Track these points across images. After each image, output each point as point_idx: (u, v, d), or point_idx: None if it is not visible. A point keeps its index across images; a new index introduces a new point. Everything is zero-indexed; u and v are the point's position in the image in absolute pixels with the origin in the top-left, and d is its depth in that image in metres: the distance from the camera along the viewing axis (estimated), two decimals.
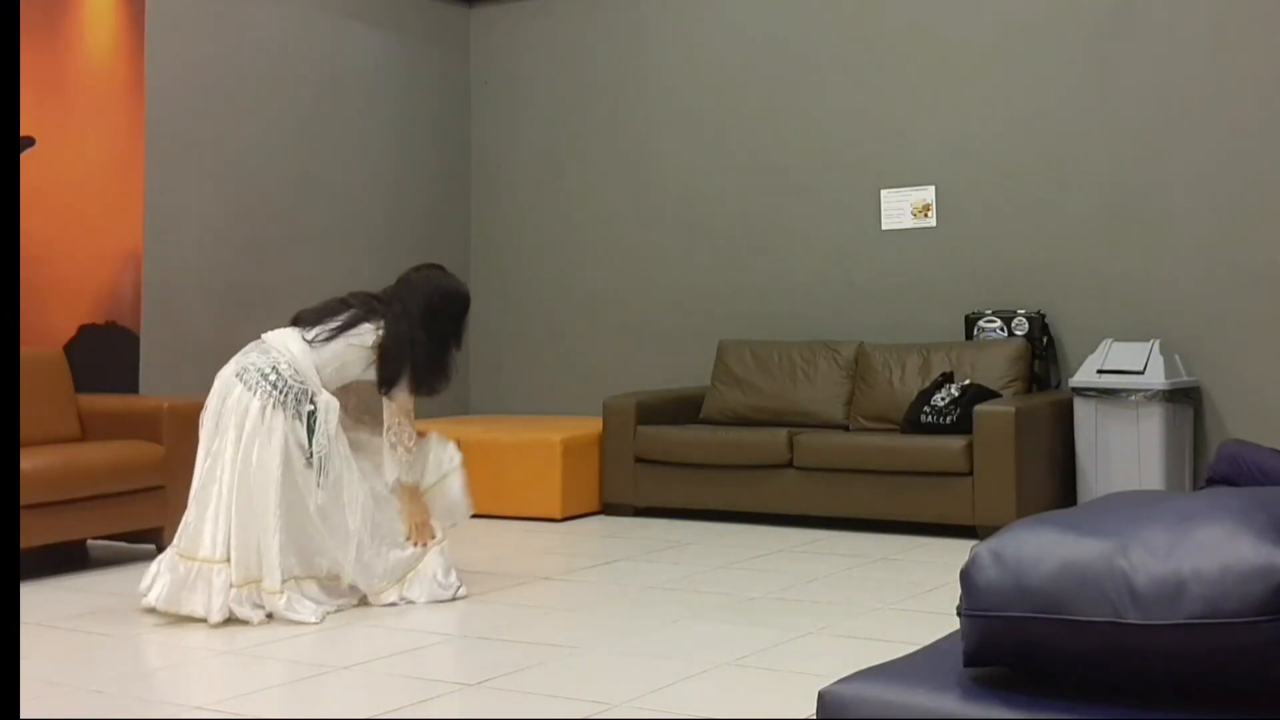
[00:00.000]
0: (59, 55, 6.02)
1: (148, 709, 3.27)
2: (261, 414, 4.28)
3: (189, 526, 4.26)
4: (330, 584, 4.41)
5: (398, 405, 4.50)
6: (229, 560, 4.19)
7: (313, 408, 4.35)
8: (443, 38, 8.06)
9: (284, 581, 4.24)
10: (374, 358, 4.50)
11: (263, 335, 4.52)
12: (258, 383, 4.32)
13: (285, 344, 4.44)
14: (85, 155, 6.12)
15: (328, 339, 4.48)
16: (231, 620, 4.17)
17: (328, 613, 4.31)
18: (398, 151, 7.75)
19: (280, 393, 4.32)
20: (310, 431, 4.33)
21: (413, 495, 4.56)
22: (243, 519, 4.22)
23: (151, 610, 4.25)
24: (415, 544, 4.53)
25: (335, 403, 4.41)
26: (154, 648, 3.95)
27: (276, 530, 4.23)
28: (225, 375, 4.42)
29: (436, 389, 4.61)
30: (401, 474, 4.51)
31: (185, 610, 4.18)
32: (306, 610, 4.24)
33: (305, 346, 4.44)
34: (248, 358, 4.42)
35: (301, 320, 4.56)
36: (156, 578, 4.25)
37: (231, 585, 4.17)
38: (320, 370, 4.44)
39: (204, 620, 4.15)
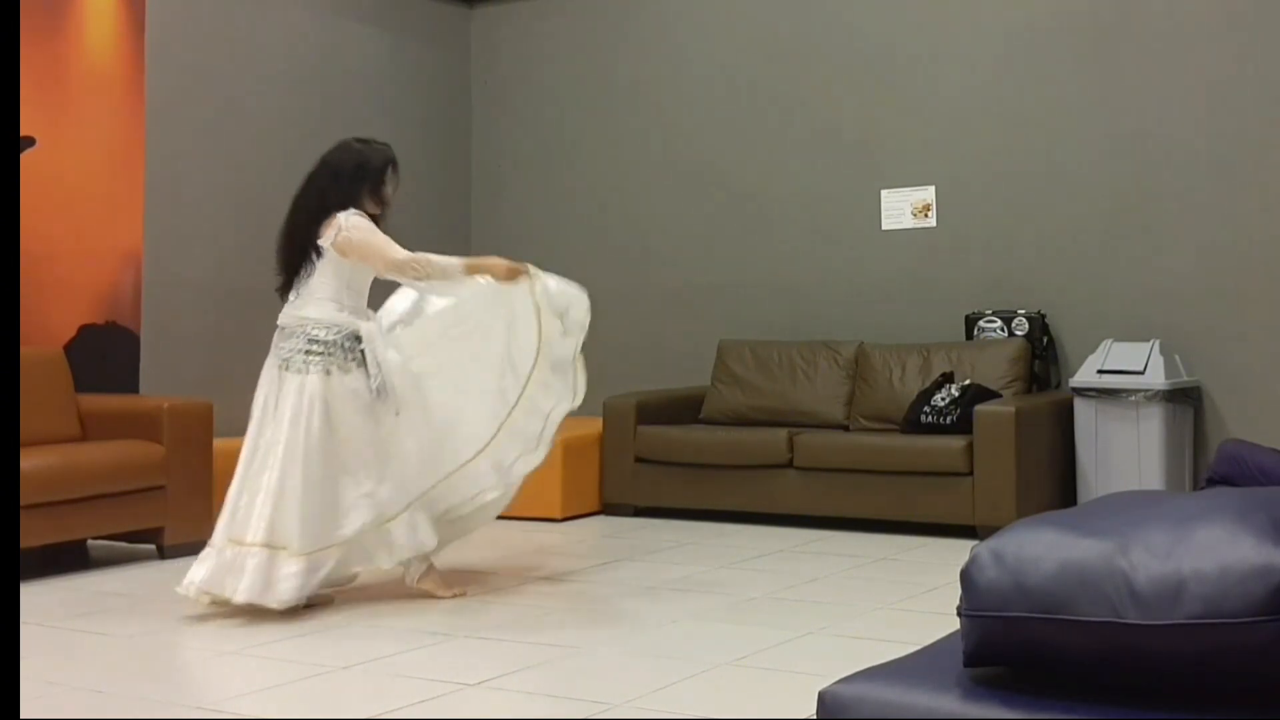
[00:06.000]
0: (59, 55, 6.02)
1: (148, 709, 3.27)
2: (320, 385, 4.33)
3: (239, 511, 4.31)
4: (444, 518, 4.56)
5: (387, 264, 4.48)
6: (267, 544, 4.24)
7: (363, 346, 4.40)
8: (443, 38, 8.06)
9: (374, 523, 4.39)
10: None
11: (279, 323, 4.50)
12: (305, 361, 4.36)
13: (301, 312, 4.44)
14: (85, 155, 6.12)
15: (311, 272, 4.47)
16: (239, 615, 4.20)
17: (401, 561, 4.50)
18: (397, 151, 7.72)
19: (330, 355, 4.36)
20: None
21: (475, 262, 4.61)
22: (310, 489, 4.28)
23: (185, 597, 4.29)
24: (514, 277, 4.55)
25: (375, 327, 4.46)
26: (154, 647, 3.95)
27: (318, 489, 4.32)
28: (269, 370, 4.46)
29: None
30: (431, 289, 4.55)
31: (222, 592, 4.23)
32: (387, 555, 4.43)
33: (312, 298, 4.44)
34: (283, 349, 4.43)
35: (286, 286, 4.54)
36: (202, 562, 4.32)
37: (294, 556, 4.24)
38: (340, 298, 4.44)
39: (226, 605, 4.23)
